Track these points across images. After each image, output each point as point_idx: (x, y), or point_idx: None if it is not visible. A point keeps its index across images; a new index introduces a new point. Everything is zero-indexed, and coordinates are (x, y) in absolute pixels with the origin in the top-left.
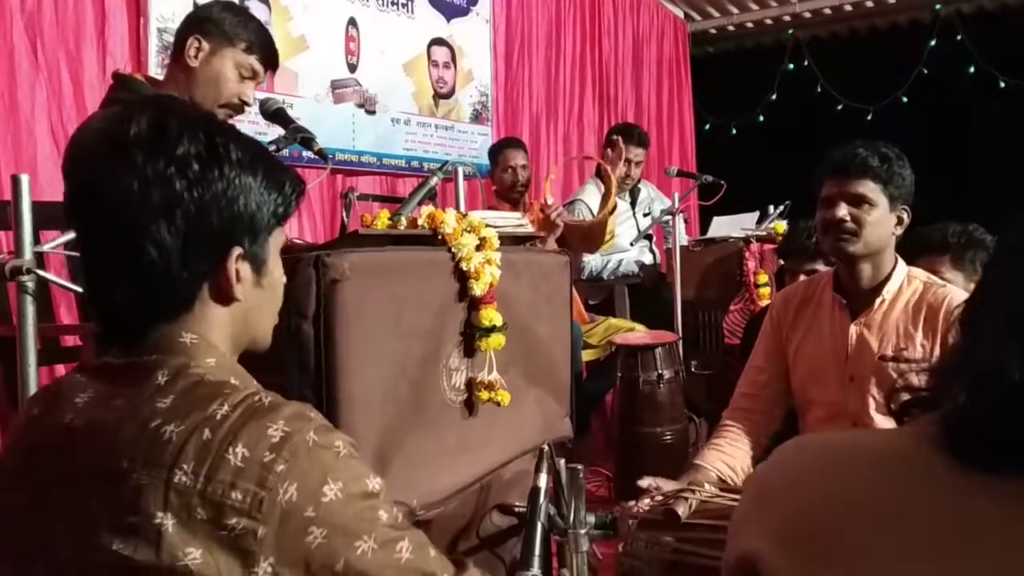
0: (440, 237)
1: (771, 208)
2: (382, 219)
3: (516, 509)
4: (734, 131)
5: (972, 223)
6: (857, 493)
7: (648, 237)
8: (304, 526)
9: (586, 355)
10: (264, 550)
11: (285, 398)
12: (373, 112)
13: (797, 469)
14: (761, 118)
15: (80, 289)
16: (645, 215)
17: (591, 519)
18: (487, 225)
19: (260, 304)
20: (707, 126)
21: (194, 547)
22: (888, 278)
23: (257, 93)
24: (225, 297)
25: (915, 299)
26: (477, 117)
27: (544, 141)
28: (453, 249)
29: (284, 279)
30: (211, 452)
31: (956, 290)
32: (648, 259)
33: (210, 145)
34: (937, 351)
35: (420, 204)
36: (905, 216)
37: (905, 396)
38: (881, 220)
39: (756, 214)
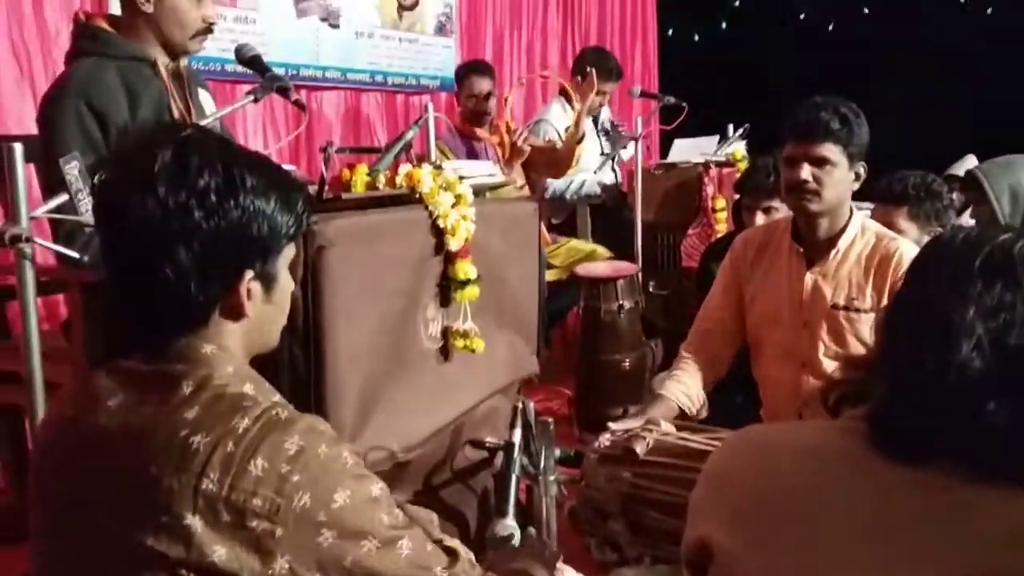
0: (417, 196)
1: (731, 130)
2: (360, 175)
3: (487, 444)
4: (696, 38)
5: (932, 175)
6: (796, 485)
7: (612, 158)
8: (316, 529)
9: (549, 275)
10: (281, 549)
11: (275, 357)
12: (337, 26)
13: (745, 461)
14: (723, 26)
15: (75, 255)
16: (604, 132)
17: (557, 452)
18: (461, 178)
19: (270, 316)
20: (670, 32)
21: (220, 545)
22: (843, 230)
23: (219, 8)
24: (236, 315)
25: (867, 251)
26: (441, 29)
27: (508, 51)
28: (430, 207)
29: (292, 286)
30: (234, 463)
31: (906, 243)
32: (609, 178)
33: (228, 176)
34: (885, 302)
35: (396, 158)
36: (862, 171)
37: (839, 392)
38: (841, 179)
39: (716, 137)
